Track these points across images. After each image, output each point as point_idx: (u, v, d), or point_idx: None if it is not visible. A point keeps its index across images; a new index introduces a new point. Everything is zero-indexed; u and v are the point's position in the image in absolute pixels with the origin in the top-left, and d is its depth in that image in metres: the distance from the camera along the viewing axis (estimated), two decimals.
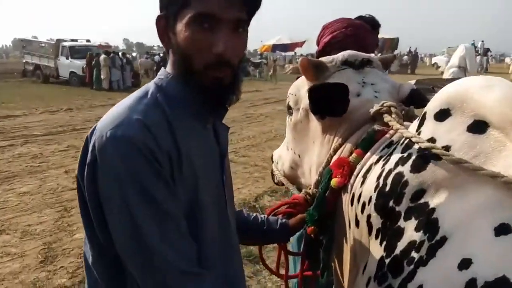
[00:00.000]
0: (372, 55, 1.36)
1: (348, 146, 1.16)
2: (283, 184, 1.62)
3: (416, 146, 0.93)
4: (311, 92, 1.13)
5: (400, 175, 0.94)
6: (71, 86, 18.74)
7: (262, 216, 1.41)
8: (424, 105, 1.32)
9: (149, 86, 1.02)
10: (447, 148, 0.84)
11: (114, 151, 0.87)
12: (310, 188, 1.32)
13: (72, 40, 20.96)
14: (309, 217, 1.22)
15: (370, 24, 2.05)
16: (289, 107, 1.43)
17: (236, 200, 1.37)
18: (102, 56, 17.74)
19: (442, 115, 0.89)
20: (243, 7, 0.95)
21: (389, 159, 1.01)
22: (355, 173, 1.09)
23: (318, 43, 2.09)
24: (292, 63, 35.37)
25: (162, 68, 1.06)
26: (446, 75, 6.40)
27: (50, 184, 5.52)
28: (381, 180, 0.99)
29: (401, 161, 0.95)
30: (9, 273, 3.34)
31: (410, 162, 0.93)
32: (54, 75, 20.20)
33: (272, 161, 1.74)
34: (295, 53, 37.22)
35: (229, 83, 0.99)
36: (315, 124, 1.28)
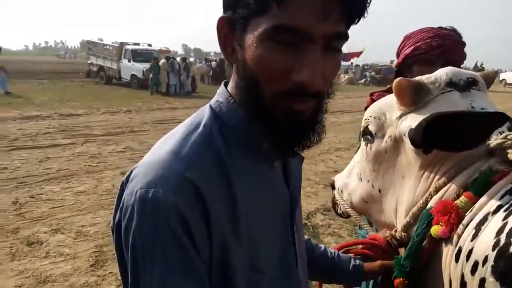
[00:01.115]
0: (476, 73, 1.14)
1: (454, 187, 0.95)
2: (348, 216, 1.41)
3: None
4: (431, 124, 0.91)
5: None
6: (131, 88, 19.42)
7: (332, 251, 1.22)
8: None
9: (204, 112, 0.83)
10: None
11: (138, 220, 0.69)
12: (396, 231, 1.12)
13: (135, 44, 21.76)
14: (398, 267, 1.02)
15: None
16: (369, 133, 1.20)
17: None
18: (162, 61, 18.27)
19: None
20: (343, 17, 0.68)
21: None
22: (464, 222, 0.88)
23: (398, 55, 1.89)
24: (348, 73, 34.90)
25: (222, 86, 0.85)
26: None
27: (106, 185, 5.62)
28: (503, 237, 0.78)
29: None
30: (61, 275, 3.36)
31: None
32: (116, 76, 21.12)
33: (332, 188, 1.52)
34: (352, 63, 36.59)
35: (311, 117, 0.75)
36: (408, 157, 1.07)
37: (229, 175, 0.75)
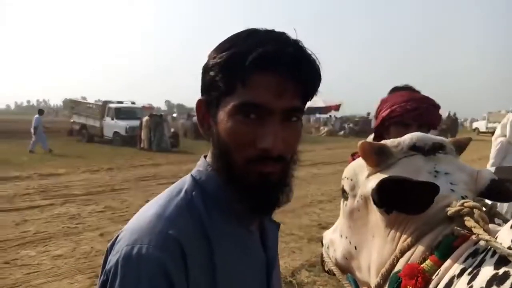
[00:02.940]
0: (444, 138, 1.21)
1: (420, 250, 0.97)
2: (334, 274, 1.41)
3: None
4: (382, 187, 0.97)
5: None
6: (113, 145, 19.39)
7: None
8: (507, 199, 1.12)
9: (185, 181, 0.90)
10: None
11: (121, 276, 0.72)
12: None
13: (118, 102, 22.04)
14: None
15: None
16: (344, 192, 1.27)
17: None
18: (145, 118, 18.46)
19: None
20: (297, 94, 0.81)
21: (477, 274, 0.82)
22: (430, 286, 0.90)
23: (376, 117, 1.99)
24: (328, 125, 35.72)
25: (202, 158, 0.93)
26: (493, 146, 6.01)
27: (84, 248, 5.45)
28: None
29: (496, 281, 0.76)
30: None
31: (508, 283, 0.74)
32: (99, 134, 21.18)
33: (322, 245, 1.54)
34: (330, 116, 37.52)
35: (278, 179, 0.83)
36: (376, 216, 1.10)
37: (210, 238, 0.80)
